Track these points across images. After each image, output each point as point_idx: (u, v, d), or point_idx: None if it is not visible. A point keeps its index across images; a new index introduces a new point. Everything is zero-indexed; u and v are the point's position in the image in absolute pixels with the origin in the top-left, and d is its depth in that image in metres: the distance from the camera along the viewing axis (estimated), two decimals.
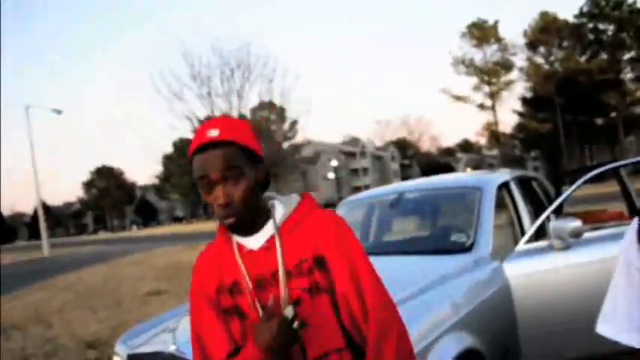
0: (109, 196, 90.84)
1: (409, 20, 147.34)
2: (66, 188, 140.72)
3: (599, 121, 45.74)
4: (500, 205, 3.52)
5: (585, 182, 3.17)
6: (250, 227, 1.15)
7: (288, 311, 1.02)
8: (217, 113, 12.61)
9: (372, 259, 1.18)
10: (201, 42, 29.39)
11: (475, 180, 3.65)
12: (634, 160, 3.52)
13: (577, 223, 2.67)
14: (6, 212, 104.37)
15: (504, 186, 3.45)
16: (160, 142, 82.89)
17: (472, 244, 2.84)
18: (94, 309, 7.63)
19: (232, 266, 1.16)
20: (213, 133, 1.08)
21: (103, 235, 75.59)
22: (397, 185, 4.19)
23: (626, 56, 41.89)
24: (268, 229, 1.16)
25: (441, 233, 3.49)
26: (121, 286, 9.73)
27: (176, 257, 15.77)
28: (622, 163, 3.49)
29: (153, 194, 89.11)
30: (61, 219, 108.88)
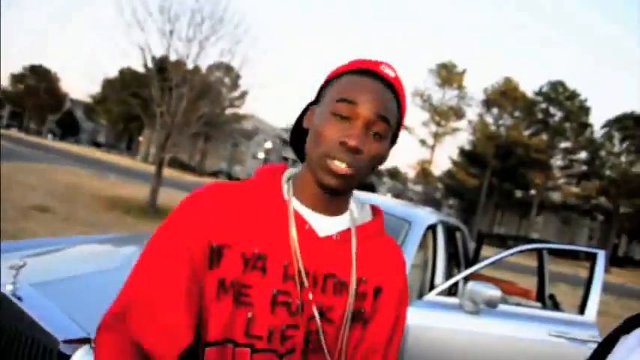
0: (36, 97, 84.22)
1: (382, 44, 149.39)
2: None
3: (519, 193, 48.63)
4: (422, 245, 3.41)
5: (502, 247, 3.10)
6: (335, 202, 0.88)
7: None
8: (173, 56, 11.86)
9: None
10: None
11: (406, 212, 3.33)
12: (567, 246, 3.50)
13: (496, 292, 2.55)
14: None
15: (432, 227, 3.33)
16: (106, 63, 78.38)
17: None
18: None
19: (273, 232, 0.83)
20: (390, 72, 0.84)
21: (15, 132, 70.00)
22: None
23: (562, 145, 44.72)
24: (343, 220, 0.90)
25: None
26: (8, 191, 8.85)
27: (79, 180, 14.81)
28: (556, 246, 3.49)
29: (81, 112, 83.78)
30: None
